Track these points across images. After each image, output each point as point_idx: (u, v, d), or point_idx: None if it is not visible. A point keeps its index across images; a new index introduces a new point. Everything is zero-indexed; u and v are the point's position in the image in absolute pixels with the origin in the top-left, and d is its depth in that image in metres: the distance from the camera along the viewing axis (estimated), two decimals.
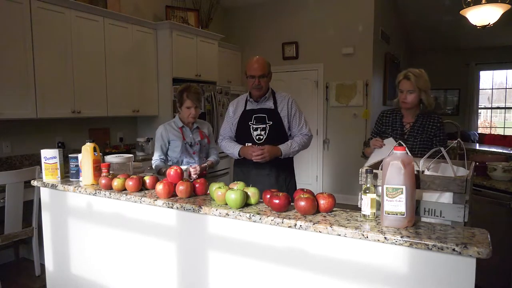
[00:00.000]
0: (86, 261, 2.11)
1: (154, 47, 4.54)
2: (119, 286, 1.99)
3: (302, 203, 1.46)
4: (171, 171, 1.84)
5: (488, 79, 8.64)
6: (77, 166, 2.16)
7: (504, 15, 3.98)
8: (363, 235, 1.28)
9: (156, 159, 2.66)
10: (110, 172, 2.05)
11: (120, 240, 1.95)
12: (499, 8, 3.85)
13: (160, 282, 1.84)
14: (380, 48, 5.74)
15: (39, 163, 2.54)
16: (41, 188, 2.24)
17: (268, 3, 5.95)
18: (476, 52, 8.11)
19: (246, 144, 2.55)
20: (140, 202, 1.81)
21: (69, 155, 2.19)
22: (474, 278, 1.15)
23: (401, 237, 1.22)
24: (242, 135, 2.58)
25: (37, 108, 3.32)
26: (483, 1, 3.89)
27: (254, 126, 2.53)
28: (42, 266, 2.70)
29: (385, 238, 1.24)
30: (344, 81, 5.50)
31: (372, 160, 2.22)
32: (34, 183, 2.24)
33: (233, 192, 1.58)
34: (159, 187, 1.77)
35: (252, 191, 1.64)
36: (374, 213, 1.39)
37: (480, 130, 8.60)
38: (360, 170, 1.46)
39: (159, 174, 2.55)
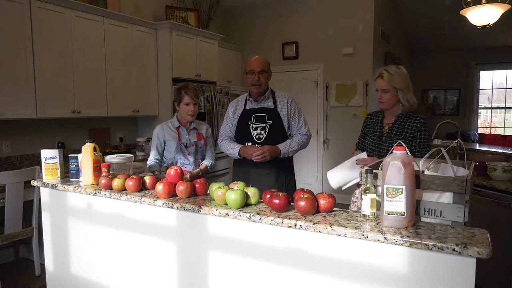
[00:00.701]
0: (86, 261, 2.11)
1: (154, 47, 4.54)
2: (119, 286, 1.99)
3: (302, 203, 1.46)
4: (171, 171, 1.84)
5: (488, 79, 8.64)
6: (77, 166, 2.16)
7: (504, 15, 3.98)
8: (363, 235, 1.28)
9: (151, 159, 2.66)
10: (110, 172, 2.05)
11: (120, 240, 1.95)
12: (499, 8, 3.85)
13: (160, 282, 1.84)
14: (380, 48, 5.74)
15: (39, 163, 2.54)
16: (41, 188, 2.24)
17: (268, 3, 5.95)
18: (476, 52, 8.11)
19: (246, 143, 2.55)
20: (140, 202, 1.81)
21: (69, 155, 2.19)
22: (474, 278, 1.15)
23: (401, 237, 1.22)
24: (241, 134, 2.59)
25: (37, 108, 3.32)
26: (483, 1, 3.89)
27: (254, 125, 2.53)
28: (42, 266, 2.70)
29: (385, 238, 1.24)
30: (344, 81, 5.50)
31: (340, 169, 2.16)
32: (34, 183, 2.24)
33: (233, 192, 1.58)
34: (159, 187, 1.77)
35: (252, 191, 1.64)
36: (374, 213, 1.39)
37: (480, 130, 8.60)
38: (360, 170, 1.46)
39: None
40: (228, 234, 1.60)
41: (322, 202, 1.50)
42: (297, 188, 1.83)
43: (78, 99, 3.68)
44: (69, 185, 2.07)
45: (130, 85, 4.25)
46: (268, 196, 1.56)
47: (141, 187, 1.93)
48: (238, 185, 1.69)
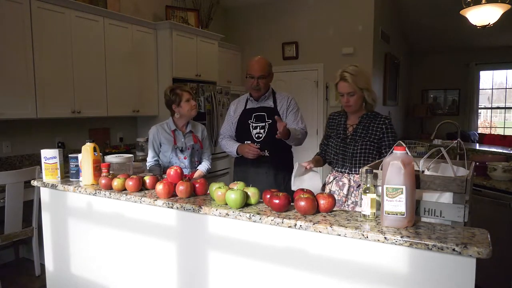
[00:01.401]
0: (86, 261, 2.11)
1: (154, 47, 4.54)
2: (119, 286, 1.99)
3: (302, 203, 1.46)
4: (171, 171, 1.84)
5: (488, 79, 8.64)
6: (77, 166, 2.16)
7: (504, 15, 3.98)
8: (363, 235, 1.28)
9: (150, 161, 2.65)
10: (110, 172, 2.05)
11: (120, 240, 1.95)
12: (499, 8, 3.85)
13: (160, 282, 1.84)
14: (380, 48, 5.74)
15: (39, 163, 2.54)
16: (41, 188, 2.24)
17: (268, 3, 5.95)
18: (476, 52, 8.11)
19: (246, 143, 2.55)
20: (140, 202, 1.81)
21: (69, 155, 2.19)
22: (474, 278, 1.15)
23: (401, 237, 1.22)
24: (241, 133, 2.59)
25: (37, 108, 3.32)
26: (483, 1, 3.89)
27: (254, 124, 2.54)
28: (42, 266, 2.70)
29: (385, 238, 1.24)
30: None
31: (300, 182, 2.08)
32: (34, 183, 2.24)
33: (233, 192, 1.58)
34: (159, 187, 1.77)
35: (252, 191, 1.64)
36: (374, 213, 1.39)
37: (480, 130, 8.60)
38: (360, 170, 1.46)
39: None
40: (228, 234, 1.60)
41: (322, 202, 1.50)
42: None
43: (78, 99, 3.68)
44: (69, 185, 2.07)
45: (130, 85, 4.25)
46: (268, 196, 1.56)
47: (141, 187, 1.93)
48: (238, 185, 1.68)
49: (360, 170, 1.46)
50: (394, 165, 1.28)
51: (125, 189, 1.92)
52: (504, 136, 6.04)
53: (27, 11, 3.21)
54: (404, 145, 1.36)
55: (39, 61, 3.32)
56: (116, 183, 1.90)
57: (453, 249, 1.14)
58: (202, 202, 1.69)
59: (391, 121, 2.12)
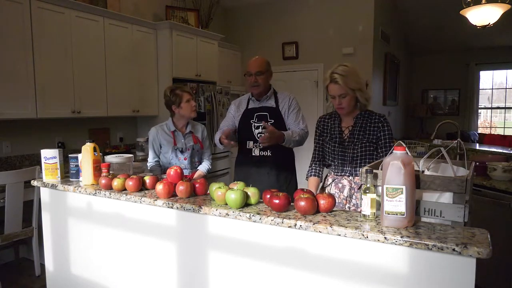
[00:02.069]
0: (86, 261, 2.11)
1: (154, 47, 4.54)
2: (119, 286, 1.99)
3: (302, 203, 1.46)
4: (171, 171, 1.84)
5: (488, 79, 8.64)
6: (77, 166, 2.16)
7: (504, 15, 3.98)
8: (363, 235, 1.28)
9: (150, 161, 2.66)
10: (110, 172, 2.05)
11: (120, 240, 1.95)
12: (499, 8, 3.85)
13: (160, 282, 1.84)
14: (380, 48, 5.74)
15: (39, 163, 2.54)
16: (41, 188, 2.24)
17: (268, 3, 5.95)
18: (476, 52, 8.11)
19: (248, 142, 2.55)
20: (140, 202, 1.81)
21: (69, 155, 2.19)
22: (474, 278, 1.15)
23: (401, 237, 1.22)
24: (244, 133, 2.59)
25: (37, 108, 3.32)
26: (483, 1, 3.89)
27: (256, 124, 2.54)
28: (42, 266, 2.70)
29: (385, 238, 1.24)
30: None
31: None
32: (34, 183, 2.24)
33: (233, 192, 1.58)
34: (159, 187, 1.77)
35: (252, 191, 1.64)
36: (374, 213, 1.39)
37: (480, 130, 8.60)
38: (360, 170, 1.46)
39: None
40: (228, 234, 1.60)
41: (322, 202, 1.50)
42: (298, 188, 1.83)
43: (78, 99, 3.68)
44: (69, 185, 2.07)
45: (130, 85, 4.25)
46: (268, 196, 1.56)
47: (141, 187, 1.93)
48: (238, 185, 1.68)
49: (360, 170, 1.46)
50: (394, 165, 1.28)
51: (125, 189, 1.92)
52: (504, 136, 6.03)
53: (27, 11, 3.21)
54: (404, 145, 1.36)
55: (39, 61, 3.32)
56: (116, 183, 1.90)
57: (453, 249, 1.14)
58: (202, 202, 1.69)
59: (387, 119, 2.05)
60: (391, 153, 1.34)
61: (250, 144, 2.55)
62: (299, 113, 2.57)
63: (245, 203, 1.62)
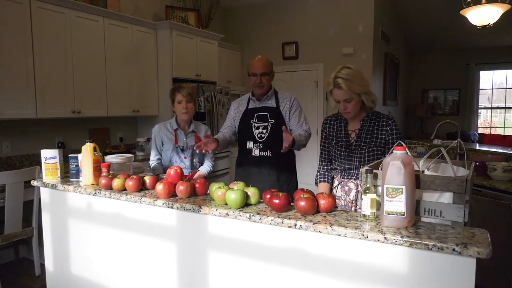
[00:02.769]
0: (86, 261, 2.11)
1: (154, 47, 4.54)
2: (119, 286, 1.99)
3: (302, 203, 1.46)
4: (171, 171, 1.84)
5: (488, 79, 8.64)
6: (77, 166, 2.16)
7: (504, 15, 3.98)
8: (363, 235, 1.28)
9: (153, 159, 2.66)
10: (110, 172, 2.05)
11: (120, 240, 1.95)
12: (499, 8, 3.85)
13: (160, 282, 1.84)
14: (380, 48, 5.74)
15: (39, 163, 2.54)
16: (41, 188, 2.24)
17: (268, 3, 5.95)
18: (476, 52, 8.11)
19: (248, 142, 2.55)
20: (140, 202, 1.81)
21: (69, 155, 2.19)
22: (474, 278, 1.15)
23: (401, 237, 1.22)
24: (244, 133, 2.59)
25: (37, 108, 3.32)
26: (483, 1, 3.89)
27: (256, 124, 2.53)
28: (42, 266, 2.70)
29: (385, 238, 1.24)
30: None
31: None
32: (34, 183, 2.24)
33: (233, 192, 1.58)
34: (159, 187, 1.77)
35: (252, 191, 1.64)
36: (374, 213, 1.39)
37: (480, 130, 8.60)
38: (360, 170, 1.46)
39: None
40: (228, 234, 1.60)
41: (322, 202, 1.50)
42: (298, 188, 1.83)
43: (78, 99, 3.68)
44: (69, 185, 2.07)
45: (130, 85, 4.25)
46: (268, 196, 1.56)
47: (141, 187, 1.93)
48: (238, 185, 1.68)
49: (361, 170, 1.46)
50: (394, 165, 1.28)
51: (125, 189, 1.92)
52: (504, 136, 6.04)
53: (27, 11, 3.21)
54: (404, 145, 1.36)
55: (39, 61, 3.32)
56: (116, 183, 1.90)
57: (453, 249, 1.14)
58: (202, 202, 1.69)
59: (395, 121, 2.00)
60: (391, 153, 1.34)
61: (250, 144, 2.55)
62: (301, 114, 2.57)
63: (245, 203, 1.62)
